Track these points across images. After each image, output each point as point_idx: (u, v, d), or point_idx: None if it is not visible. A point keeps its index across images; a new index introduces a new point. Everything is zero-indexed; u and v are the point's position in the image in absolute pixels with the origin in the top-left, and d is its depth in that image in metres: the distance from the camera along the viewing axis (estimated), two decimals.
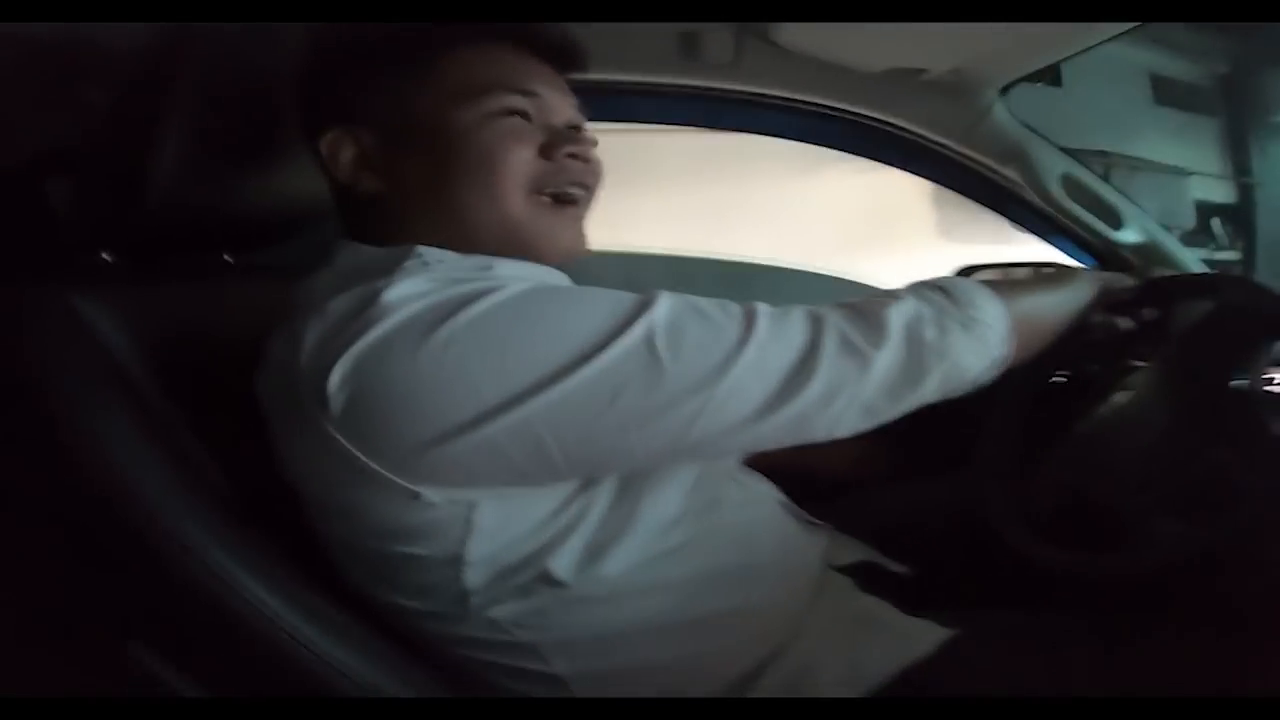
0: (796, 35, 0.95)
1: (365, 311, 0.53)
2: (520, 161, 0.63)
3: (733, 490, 0.72)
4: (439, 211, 0.63)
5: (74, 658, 0.64)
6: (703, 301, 0.58)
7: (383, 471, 0.54)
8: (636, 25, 0.96)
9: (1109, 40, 0.96)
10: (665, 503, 0.64)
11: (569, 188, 0.65)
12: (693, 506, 0.66)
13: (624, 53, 0.98)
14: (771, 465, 0.78)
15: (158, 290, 0.76)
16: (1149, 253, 1.13)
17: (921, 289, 0.64)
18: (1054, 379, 0.86)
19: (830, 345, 0.57)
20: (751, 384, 0.55)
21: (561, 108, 0.67)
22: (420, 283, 0.55)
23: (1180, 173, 4.69)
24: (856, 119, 1.08)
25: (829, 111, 1.07)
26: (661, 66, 1.01)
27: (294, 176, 0.80)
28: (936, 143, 1.10)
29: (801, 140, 1.10)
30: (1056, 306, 0.72)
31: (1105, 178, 1.16)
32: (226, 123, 0.74)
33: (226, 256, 0.89)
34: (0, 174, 1.05)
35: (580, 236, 0.68)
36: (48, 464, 0.60)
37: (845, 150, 1.11)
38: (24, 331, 0.62)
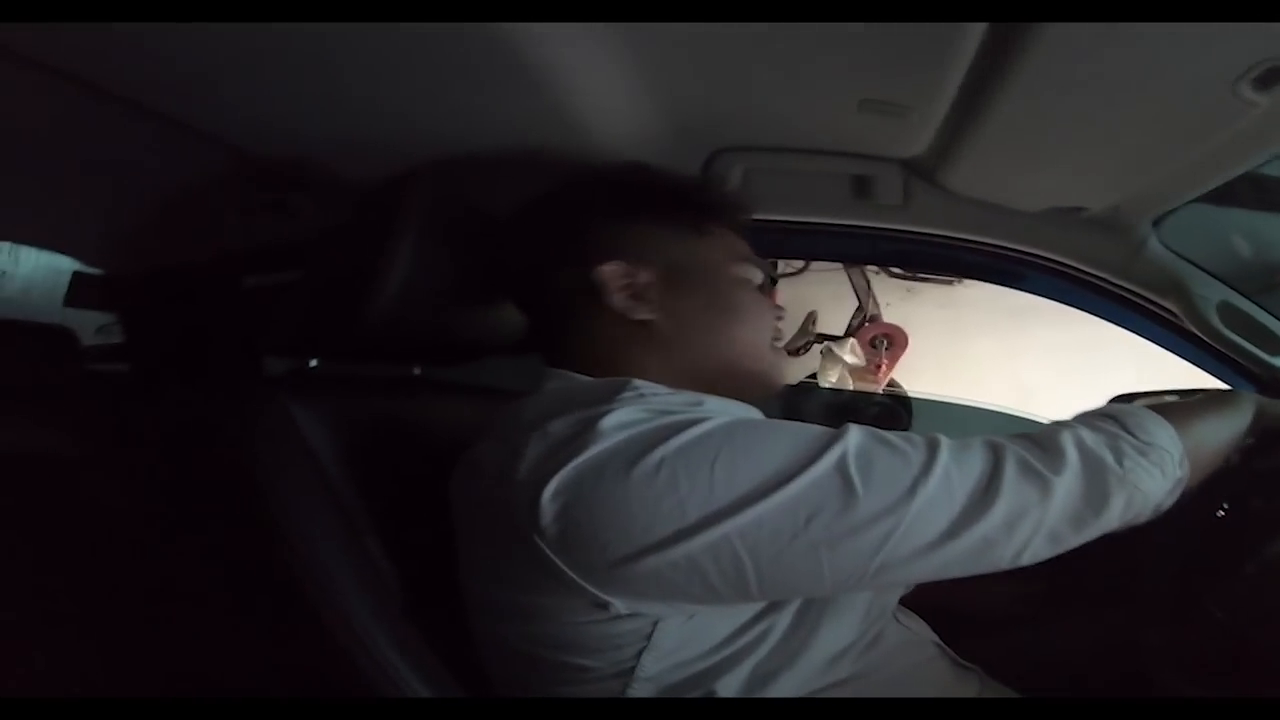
0: (960, 179, 1.01)
1: (584, 434, 0.58)
2: (769, 315, 0.78)
3: (892, 629, 0.74)
4: (706, 342, 0.74)
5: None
6: (888, 434, 0.62)
7: (580, 581, 0.57)
8: (814, 173, 1.02)
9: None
10: (836, 636, 0.66)
11: (778, 337, 0.80)
12: (858, 642, 0.68)
13: (801, 194, 1.04)
14: (926, 602, 0.82)
15: (357, 398, 0.81)
16: None
17: (1091, 418, 0.66)
18: (1216, 513, 0.80)
19: (1011, 470, 0.59)
20: (938, 508, 0.58)
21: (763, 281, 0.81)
22: (636, 411, 0.60)
23: None
24: (1020, 256, 1.11)
25: (994, 250, 1.11)
26: (836, 208, 1.05)
27: (495, 305, 0.87)
28: (1096, 277, 1.12)
29: (969, 277, 1.12)
30: (1222, 429, 0.72)
31: None
32: (445, 252, 0.81)
33: (416, 370, 0.99)
34: (217, 285, 1.11)
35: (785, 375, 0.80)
36: (256, 555, 0.66)
37: (1012, 286, 1.13)
38: (246, 434, 0.67)
